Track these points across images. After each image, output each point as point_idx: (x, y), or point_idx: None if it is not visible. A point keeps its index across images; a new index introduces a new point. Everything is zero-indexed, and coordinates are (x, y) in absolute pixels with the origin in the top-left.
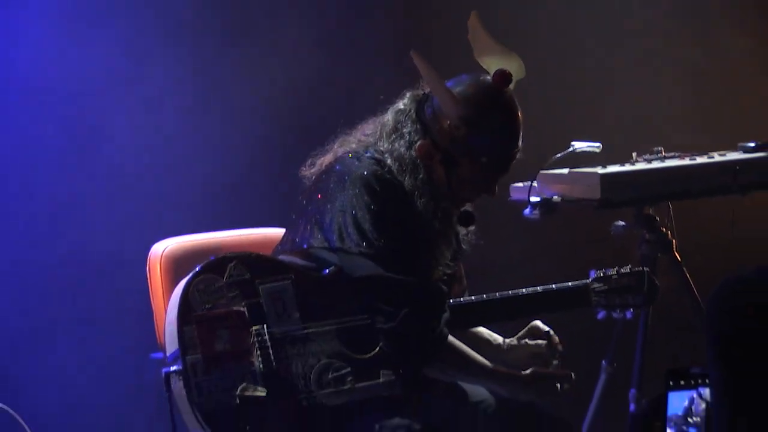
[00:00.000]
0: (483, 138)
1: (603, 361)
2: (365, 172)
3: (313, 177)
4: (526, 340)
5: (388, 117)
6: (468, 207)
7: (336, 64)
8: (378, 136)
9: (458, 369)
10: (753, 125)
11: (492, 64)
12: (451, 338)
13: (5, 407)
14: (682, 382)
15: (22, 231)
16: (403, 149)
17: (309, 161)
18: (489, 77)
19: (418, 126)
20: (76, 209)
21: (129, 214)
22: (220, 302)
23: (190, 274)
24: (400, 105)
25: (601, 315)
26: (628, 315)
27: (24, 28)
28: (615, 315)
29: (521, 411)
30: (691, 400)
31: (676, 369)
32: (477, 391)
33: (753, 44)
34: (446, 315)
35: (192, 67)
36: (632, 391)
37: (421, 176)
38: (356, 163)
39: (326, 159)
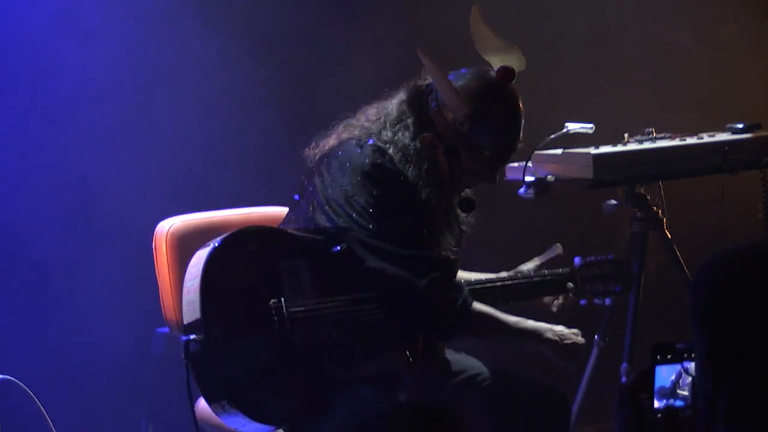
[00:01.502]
0: (486, 132)
1: (595, 336)
2: (366, 161)
3: (316, 158)
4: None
5: (393, 107)
6: (468, 193)
7: (340, 52)
8: (381, 124)
9: (490, 330)
10: (741, 107)
11: (494, 57)
12: (476, 308)
13: (11, 378)
14: (669, 356)
15: (27, 206)
16: (407, 140)
17: (313, 143)
18: (492, 72)
19: (421, 118)
20: (84, 186)
21: (135, 191)
22: (240, 275)
23: (211, 247)
24: (404, 96)
25: (583, 302)
26: (607, 302)
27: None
28: (597, 301)
29: (517, 383)
30: (679, 374)
31: (663, 344)
32: (473, 364)
33: (739, 30)
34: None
35: (198, 51)
36: (624, 365)
37: (425, 167)
38: (358, 150)
39: (330, 142)
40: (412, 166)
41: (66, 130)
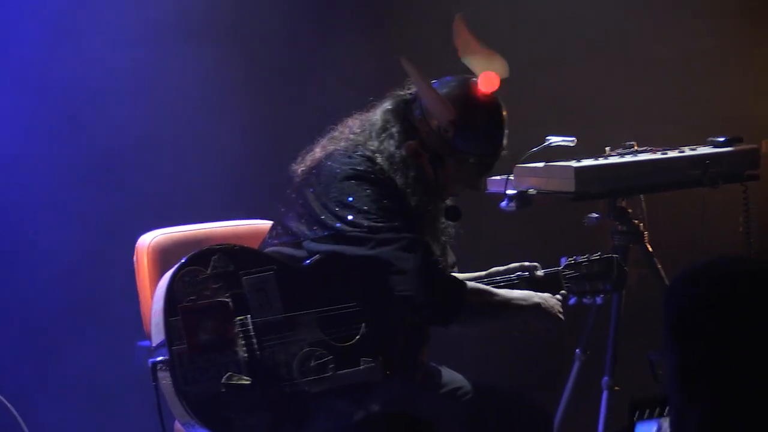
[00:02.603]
0: (470, 139)
1: (577, 350)
2: (358, 167)
3: (303, 172)
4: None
5: (377, 116)
6: (453, 201)
7: (323, 62)
8: (367, 135)
9: (487, 307)
10: (722, 120)
11: (477, 65)
12: (469, 288)
13: None
14: (647, 412)
15: (9, 222)
16: (392, 149)
17: (299, 158)
18: (475, 80)
19: (406, 126)
20: (66, 200)
21: (117, 205)
22: (204, 293)
23: (175, 266)
24: (389, 105)
25: (572, 301)
26: (598, 300)
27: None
28: (586, 301)
29: (498, 397)
30: (659, 427)
31: (639, 400)
32: (454, 377)
33: (720, 43)
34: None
35: (181, 64)
36: (605, 379)
37: (412, 174)
38: (347, 159)
39: (316, 155)
40: (399, 174)
41: (47, 140)
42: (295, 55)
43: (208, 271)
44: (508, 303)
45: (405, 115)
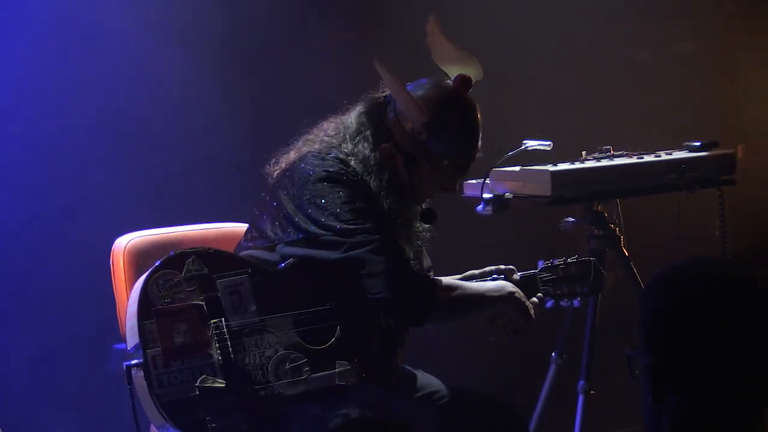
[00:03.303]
0: (445, 141)
1: (553, 353)
2: (331, 169)
3: (277, 174)
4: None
5: (351, 119)
6: (428, 204)
7: (298, 65)
8: (341, 138)
9: (461, 302)
10: (698, 124)
11: (451, 67)
12: (439, 284)
13: None
14: None
15: None
16: (367, 151)
17: (273, 160)
18: (449, 81)
19: (380, 129)
20: (42, 201)
21: (93, 207)
22: (178, 296)
23: (149, 270)
24: (362, 108)
25: (549, 304)
26: (576, 303)
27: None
28: (563, 303)
29: (474, 402)
30: None
31: None
32: (430, 381)
33: (696, 47)
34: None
35: (161, 65)
36: (581, 383)
37: (386, 177)
38: (320, 161)
39: (290, 157)
40: (373, 177)
41: (24, 142)
42: (268, 61)
43: (183, 275)
44: (482, 296)
45: (379, 117)
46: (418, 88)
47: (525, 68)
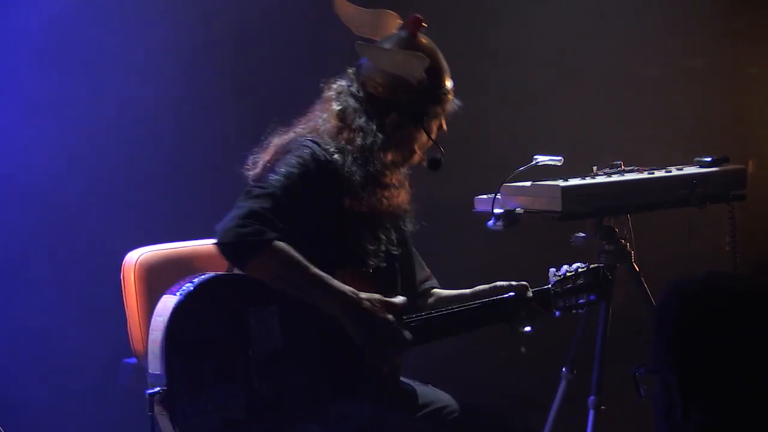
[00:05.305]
0: (437, 72)
1: (563, 369)
2: (305, 143)
3: (256, 174)
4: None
5: (329, 119)
6: (434, 155)
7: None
8: (322, 132)
9: (289, 273)
10: (708, 139)
11: (372, 29)
12: (281, 244)
13: None
14: None
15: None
16: (370, 139)
17: (251, 160)
18: (401, 29)
19: (371, 111)
20: (56, 215)
21: (105, 221)
22: (206, 327)
23: (178, 298)
24: (336, 106)
25: (558, 313)
26: (581, 310)
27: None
28: (579, 311)
29: (485, 417)
30: None
31: None
32: (440, 396)
33: (708, 62)
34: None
35: (170, 75)
36: (591, 398)
37: (371, 168)
38: (300, 138)
39: (266, 156)
40: (360, 168)
41: (35, 155)
42: (274, 71)
43: (210, 304)
44: (321, 281)
45: (357, 100)
46: (391, 47)
47: (536, 83)
